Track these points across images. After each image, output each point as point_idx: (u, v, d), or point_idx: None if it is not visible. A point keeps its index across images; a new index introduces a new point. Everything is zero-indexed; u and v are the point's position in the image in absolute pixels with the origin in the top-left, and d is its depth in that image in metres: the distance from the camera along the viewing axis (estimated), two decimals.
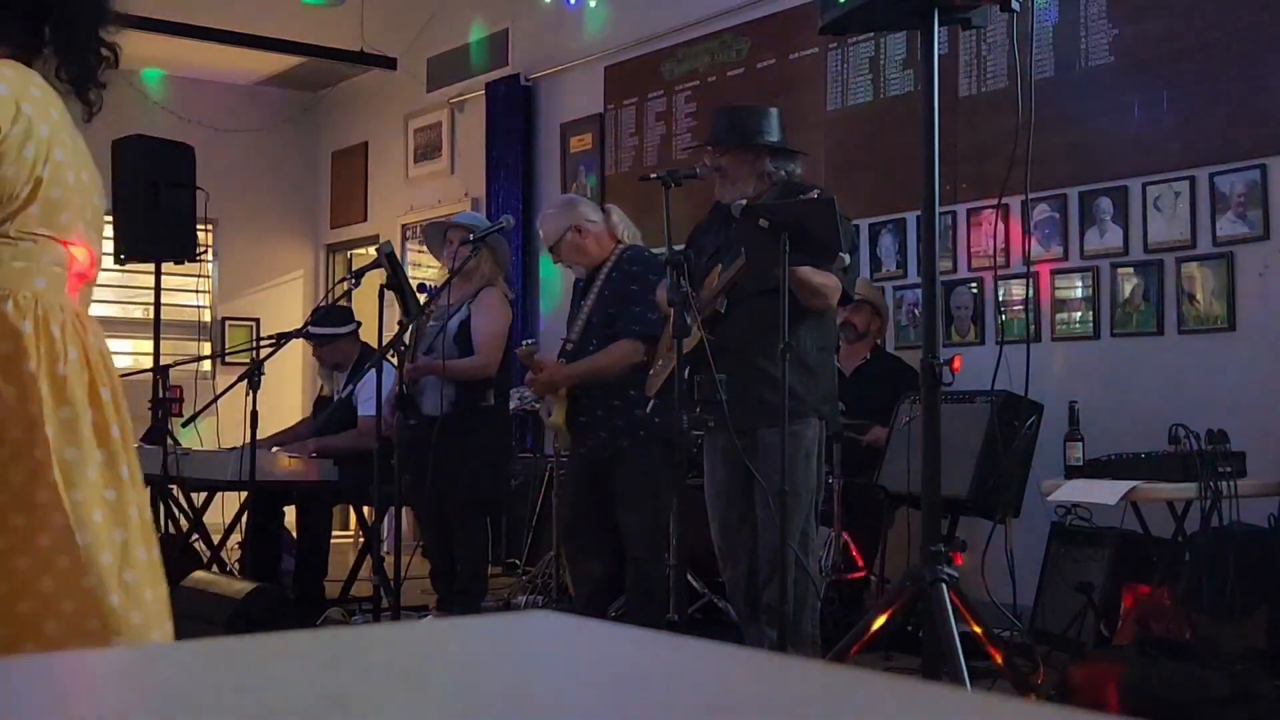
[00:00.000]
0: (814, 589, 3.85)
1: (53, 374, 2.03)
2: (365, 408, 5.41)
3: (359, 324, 5.79)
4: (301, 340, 5.88)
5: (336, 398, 5.51)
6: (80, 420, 2.05)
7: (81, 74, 2.18)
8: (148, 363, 6.30)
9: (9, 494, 1.99)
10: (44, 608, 1.97)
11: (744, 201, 3.66)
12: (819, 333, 3.89)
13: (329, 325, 5.69)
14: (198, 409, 5.41)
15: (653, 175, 3.88)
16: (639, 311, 4.34)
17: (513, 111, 7.92)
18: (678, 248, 3.82)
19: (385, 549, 5.73)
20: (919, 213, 3.72)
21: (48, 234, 2.08)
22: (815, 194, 3.67)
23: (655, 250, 4.61)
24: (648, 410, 4.12)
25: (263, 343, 5.70)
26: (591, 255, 4.52)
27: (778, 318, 3.53)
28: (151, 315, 6.01)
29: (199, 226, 6.09)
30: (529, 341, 4.57)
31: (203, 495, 5.95)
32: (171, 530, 5.69)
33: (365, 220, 9.53)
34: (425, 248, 5.54)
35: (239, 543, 5.83)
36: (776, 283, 3.50)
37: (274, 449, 5.52)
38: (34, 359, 2.01)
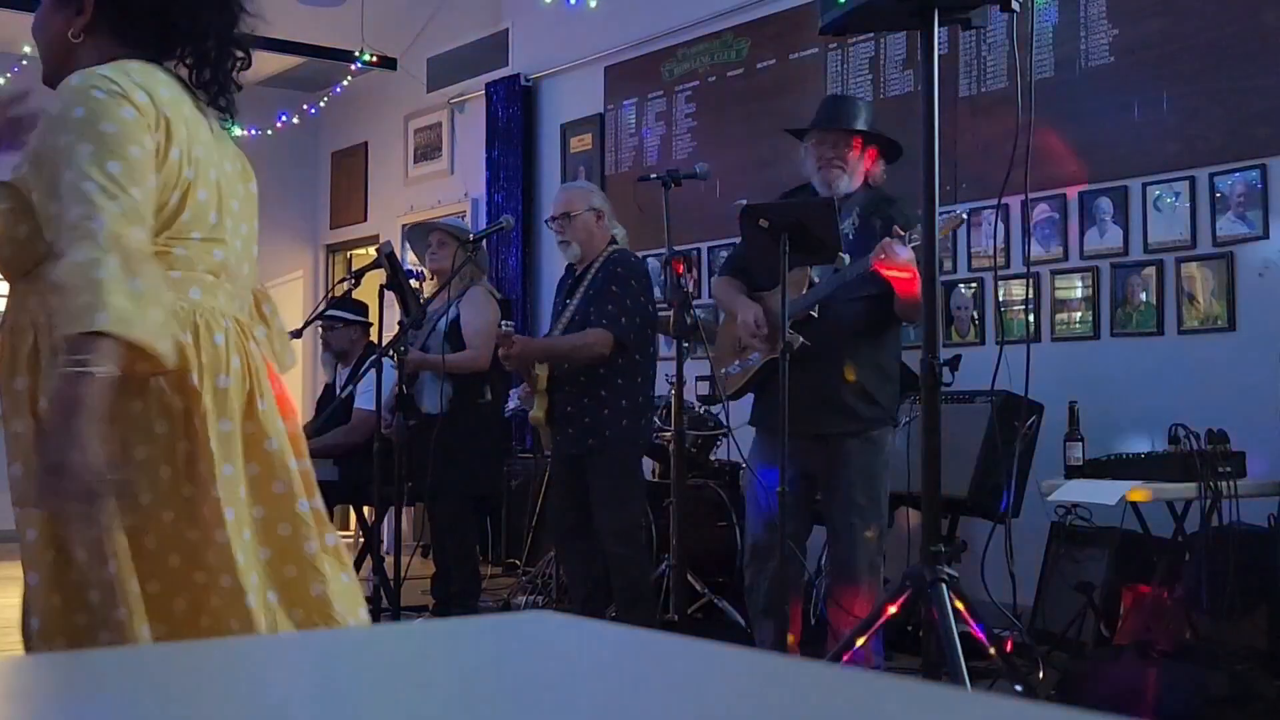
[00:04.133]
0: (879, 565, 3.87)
1: (214, 386, 2.00)
2: (362, 400, 5.45)
3: (370, 324, 5.86)
4: (303, 340, 5.88)
5: (338, 397, 5.53)
6: (234, 435, 2.02)
7: (214, 79, 2.13)
8: None
9: (179, 509, 1.96)
10: (217, 626, 1.96)
11: (743, 202, 3.66)
12: (897, 343, 3.90)
13: (344, 310, 5.79)
14: None
15: (653, 175, 3.88)
16: (613, 310, 4.37)
17: (513, 111, 7.92)
18: (679, 248, 3.82)
19: (385, 549, 5.73)
20: (919, 212, 3.71)
21: (200, 236, 2.04)
22: (903, 206, 3.70)
23: (656, 251, 4.61)
24: (754, 414, 4.03)
25: None
26: (594, 243, 4.55)
27: (870, 324, 3.55)
28: None
29: None
30: (506, 323, 4.60)
31: None
32: None
33: (365, 220, 9.53)
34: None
35: None
36: (872, 290, 3.51)
37: None
38: (195, 371, 1.98)
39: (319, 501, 2.12)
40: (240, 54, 2.15)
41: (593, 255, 4.54)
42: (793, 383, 3.48)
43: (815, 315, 3.71)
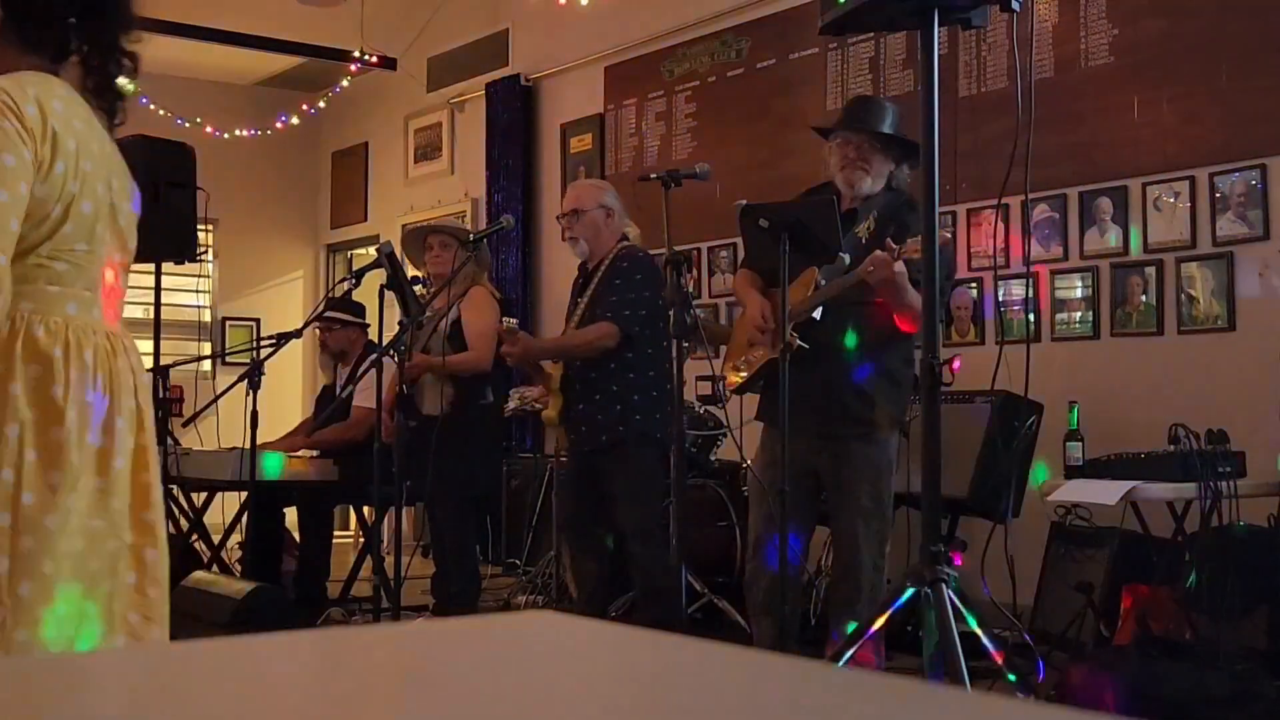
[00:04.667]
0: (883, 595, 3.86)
1: (81, 400, 2.03)
2: (361, 398, 5.46)
3: (368, 324, 5.86)
4: (302, 340, 5.90)
5: (338, 397, 5.54)
6: (92, 451, 2.06)
7: (102, 83, 2.17)
8: (148, 363, 6.28)
9: (18, 515, 1.99)
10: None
11: (743, 202, 3.65)
12: (905, 348, 3.88)
13: (341, 311, 5.81)
14: (198, 409, 5.41)
15: (653, 175, 3.88)
16: (616, 302, 4.38)
17: (513, 111, 7.92)
18: (680, 247, 3.82)
19: (385, 549, 5.73)
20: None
21: (85, 248, 2.07)
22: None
23: (656, 251, 4.61)
24: (724, 404, 4.06)
25: (263, 343, 5.71)
26: (603, 242, 4.55)
27: (875, 329, 3.56)
28: (152, 315, 6.00)
29: (199, 226, 6.09)
30: (510, 320, 4.60)
31: (203, 495, 5.96)
32: (172, 530, 5.70)
33: (365, 220, 9.53)
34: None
35: (239, 543, 5.83)
36: (876, 296, 3.51)
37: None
38: (61, 385, 2.01)
39: (150, 515, 2.17)
40: (128, 63, 2.20)
41: (601, 253, 4.54)
42: (799, 383, 3.48)
43: (817, 318, 3.71)
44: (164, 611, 2.18)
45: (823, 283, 3.75)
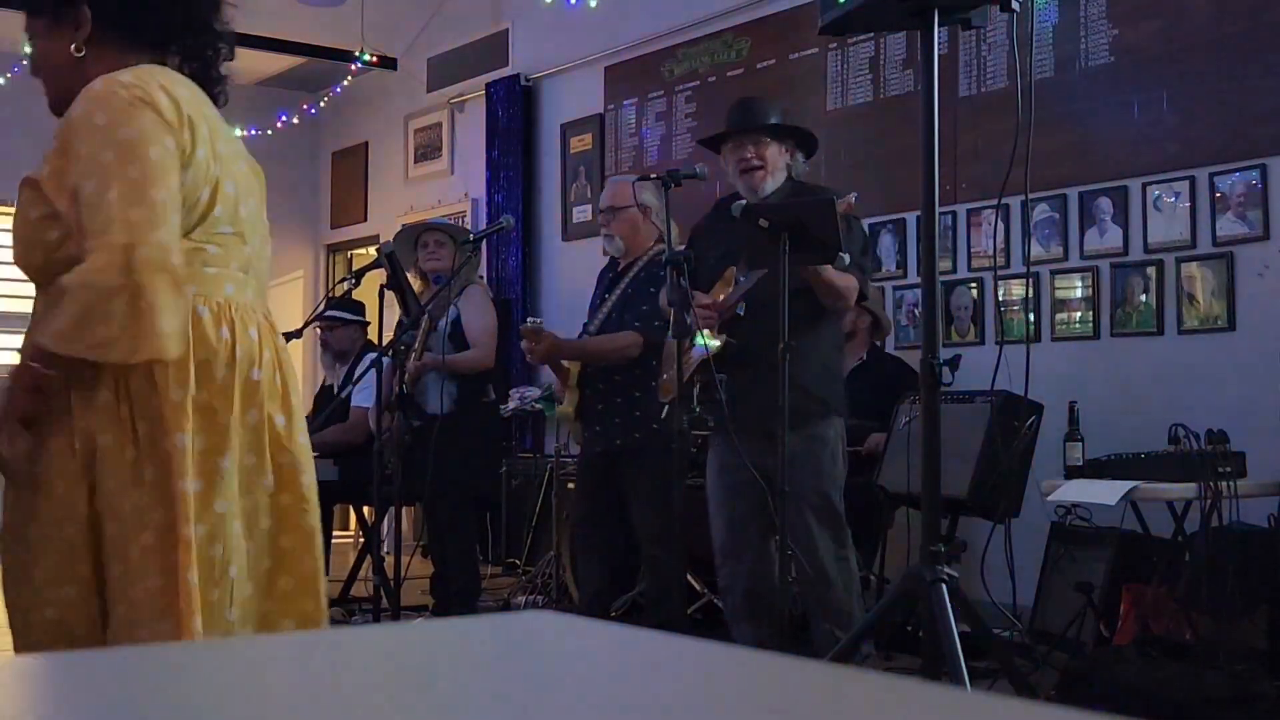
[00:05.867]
0: (857, 584, 3.85)
1: (246, 378, 2.03)
2: (360, 398, 5.46)
3: (368, 323, 5.88)
4: (302, 339, 5.90)
5: (337, 397, 5.54)
6: (261, 426, 2.05)
7: (201, 68, 2.16)
8: None
9: (151, 494, 1.95)
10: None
11: (744, 202, 3.65)
12: (835, 333, 3.89)
13: (342, 310, 5.83)
14: None
15: (653, 175, 3.88)
16: (647, 311, 4.34)
17: (513, 111, 7.92)
18: (679, 248, 3.82)
19: (385, 549, 5.73)
20: (919, 213, 3.71)
21: (233, 231, 2.07)
22: (823, 194, 3.68)
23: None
24: (663, 415, 4.10)
25: None
26: (638, 240, 4.49)
27: (797, 320, 3.55)
28: None
29: None
30: (534, 320, 4.57)
31: None
32: None
33: (365, 220, 9.53)
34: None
35: None
36: (797, 285, 3.50)
37: None
38: (225, 365, 2.01)
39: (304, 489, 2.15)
40: (224, 46, 2.19)
41: (637, 252, 4.48)
42: (735, 383, 3.50)
43: (742, 314, 3.71)
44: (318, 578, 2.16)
45: (742, 279, 3.75)
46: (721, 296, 3.77)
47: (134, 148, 1.92)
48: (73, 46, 2.10)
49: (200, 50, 2.15)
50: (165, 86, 1.99)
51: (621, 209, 4.48)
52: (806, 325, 3.65)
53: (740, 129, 3.89)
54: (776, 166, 3.87)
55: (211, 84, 2.16)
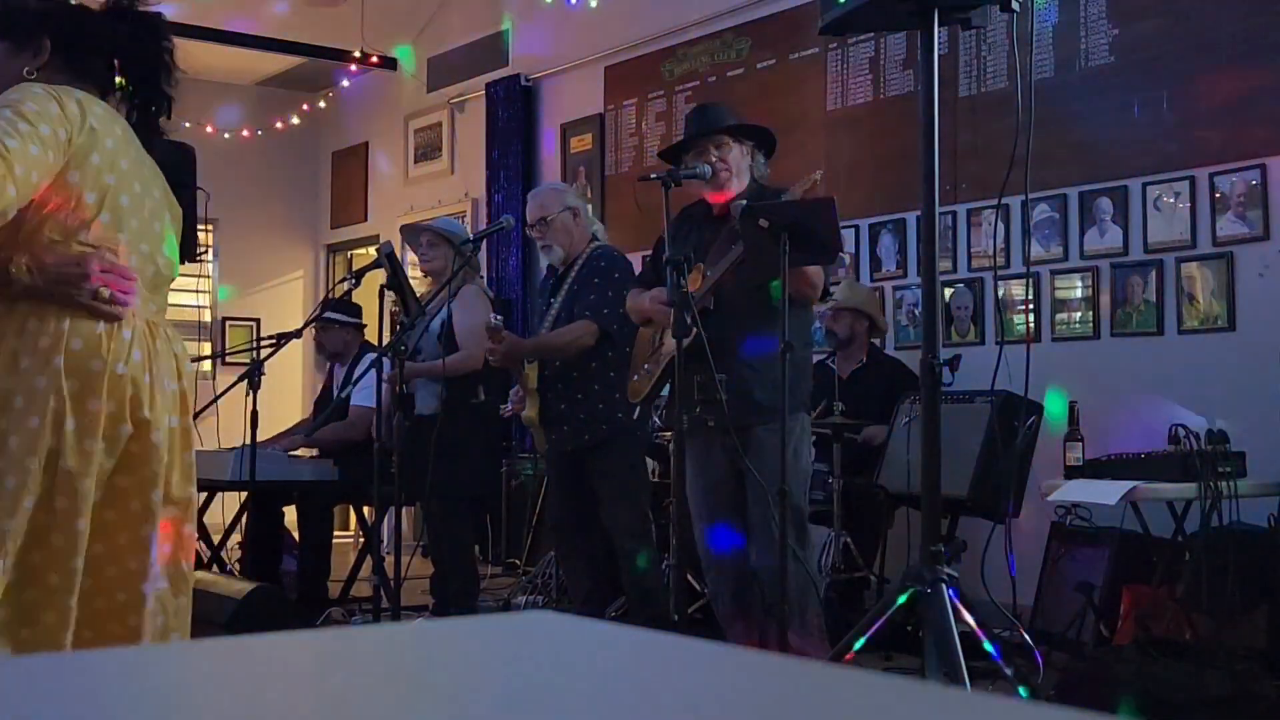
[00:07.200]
0: (815, 582, 3.84)
1: (112, 373, 2.18)
2: (359, 398, 5.46)
3: (364, 325, 5.87)
4: (302, 341, 5.91)
5: (337, 398, 5.54)
6: (108, 421, 2.21)
7: (142, 119, 2.38)
8: None
9: (48, 514, 2.14)
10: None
11: (744, 203, 3.65)
12: (804, 328, 3.91)
13: (338, 312, 5.84)
14: (198, 409, 5.40)
15: (653, 175, 3.87)
16: (595, 300, 4.41)
17: (513, 111, 7.92)
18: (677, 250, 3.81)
19: (385, 549, 5.73)
20: (919, 213, 3.71)
21: (126, 239, 2.23)
22: (789, 194, 3.69)
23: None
24: (634, 416, 4.13)
25: (263, 343, 5.71)
26: (574, 241, 4.59)
27: (765, 314, 3.54)
28: None
29: (199, 226, 6.09)
30: (496, 318, 4.61)
31: (203, 495, 5.95)
32: None
33: (365, 220, 9.53)
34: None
35: (239, 543, 5.83)
36: (764, 278, 3.51)
37: (270, 450, 5.54)
38: (99, 359, 2.17)
39: (190, 490, 2.34)
40: (166, 105, 2.42)
41: (574, 253, 4.58)
42: (709, 378, 3.51)
43: (711, 308, 3.71)
44: (190, 584, 2.35)
45: (709, 273, 3.76)
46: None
47: (29, 115, 2.07)
48: (25, 70, 2.27)
49: (145, 105, 2.37)
50: (81, 101, 2.17)
51: (552, 218, 4.54)
52: (774, 317, 3.64)
53: (700, 134, 3.90)
54: (741, 169, 3.90)
55: (148, 131, 2.38)
